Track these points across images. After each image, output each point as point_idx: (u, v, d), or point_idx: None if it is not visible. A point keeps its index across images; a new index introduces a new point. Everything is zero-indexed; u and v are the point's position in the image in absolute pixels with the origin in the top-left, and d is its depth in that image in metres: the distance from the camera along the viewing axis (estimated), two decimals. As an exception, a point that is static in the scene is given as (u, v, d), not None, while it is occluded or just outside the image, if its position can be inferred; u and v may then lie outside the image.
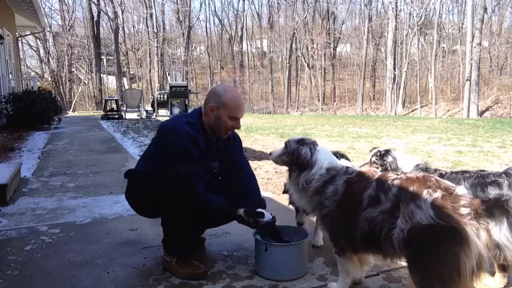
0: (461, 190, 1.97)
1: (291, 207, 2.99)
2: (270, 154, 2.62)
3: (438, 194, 1.91)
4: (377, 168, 2.84)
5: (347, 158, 3.19)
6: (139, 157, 2.93)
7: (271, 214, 2.66)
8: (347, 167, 2.37)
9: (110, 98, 18.76)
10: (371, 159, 2.97)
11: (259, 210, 2.63)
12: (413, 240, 1.91)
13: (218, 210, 2.68)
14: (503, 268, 2.38)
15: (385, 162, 2.87)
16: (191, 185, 2.51)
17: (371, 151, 3.07)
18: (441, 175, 2.52)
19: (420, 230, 1.89)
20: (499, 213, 2.28)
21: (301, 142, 2.46)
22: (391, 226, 2.00)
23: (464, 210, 1.86)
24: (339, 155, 3.11)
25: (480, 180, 2.37)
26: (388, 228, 2.02)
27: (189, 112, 2.87)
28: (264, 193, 4.49)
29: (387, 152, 2.92)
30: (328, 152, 2.51)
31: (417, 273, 1.93)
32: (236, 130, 2.82)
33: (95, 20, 34.07)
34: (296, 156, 2.41)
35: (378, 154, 2.94)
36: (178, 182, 2.47)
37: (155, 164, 2.66)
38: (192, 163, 2.54)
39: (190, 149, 2.56)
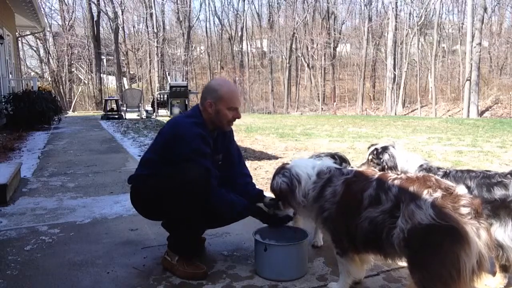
0: (461, 189, 1.97)
1: None
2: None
3: (438, 194, 1.91)
4: (375, 167, 2.76)
5: (346, 161, 3.13)
6: (139, 162, 2.90)
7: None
8: (338, 168, 2.36)
9: (110, 98, 18.77)
10: (368, 158, 2.89)
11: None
12: (414, 240, 1.91)
13: (235, 208, 2.68)
14: (505, 268, 2.38)
15: (382, 160, 2.78)
16: (206, 183, 2.52)
17: (369, 148, 2.96)
18: (446, 174, 2.51)
19: (421, 230, 1.89)
20: (504, 214, 2.27)
21: (273, 176, 2.50)
22: (391, 226, 2.01)
23: (464, 210, 1.86)
24: (337, 157, 3.08)
25: (486, 181, 2.35)
26: (388, 228, 2.02)
27: (189, 111, 2.86)
28: (264, 193, 4.50)
29: (384, 149, 2.81)
30: (305, 160, 2.54)
31: (417, 273, 1.94)
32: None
33: (95, 20, 34.10)
34: (274, 191, 2.47)
35: (375, 152, 2.84)
36: (192, 180, 2.47)
37: (162, 168, 2.64)
38: (206, 161, 2.57)
39: (204, 149, 2.58)
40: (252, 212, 2.74)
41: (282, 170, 2.45)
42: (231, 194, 2.71)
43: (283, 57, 38.86)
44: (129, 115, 17.19)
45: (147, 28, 36.61)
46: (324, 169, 2.36)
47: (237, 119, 2.78)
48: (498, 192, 2.29)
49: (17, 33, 17.73)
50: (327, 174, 2.33)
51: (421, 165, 2.69)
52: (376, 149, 2.87)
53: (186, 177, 2.48)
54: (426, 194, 1.93)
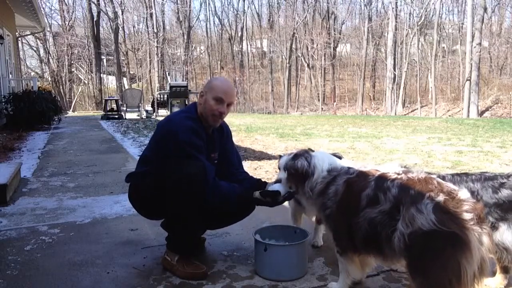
0: (464, 194, 1.91)
1: None
2: (279, 194, 2.56)
3: (440, 198, 1.86)
4: None
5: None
6: (138, 160, 2.91)
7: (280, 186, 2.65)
8: (348, 167, 2.36)
9: (110, 98, 18.77)
10: None
11: (273, 188, 2.63)
12: (414, 245, 1.87)
13: (233, 197, 2.66)
14: (506, 270, 2.36)
15: None
16: (201, 178, 2.51)
17: None
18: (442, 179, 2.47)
19: (422, 235, 1.84)
20: None
21: (295, 157, 2.48)
22: (391, 228, 1.98)
23: (467, 216, 1.81)
24: (336, 157, 3.08)
25: (491, 183, 2.29)
26: (388, 230, 1.99)
27: (185, 107, 2.92)
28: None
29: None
30: (326, 154, 2.52)
31: (417, 278, 1.90)
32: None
33: (95, 20, 34.11)
34: (294, 170, 2.43)
35: None
36: (187, 177, 2.47)
37: (158, 164, 2.63)
38: (199, 155, 2.57)
39: (195, 141, 2.58)
40: (247, 200, 2.71)
41: (306, 154, 2.46)
42: (227, 184, 2.69)
43: (283, 57, 38.86)
44: (129, 115, 17.19)
45: (147, 28, 36.64)
46: (338, 167, 2.37)
47: (223, 115, 2.72)
48: (505, 193, 2.23)
49: (17, 33, 17.73)
50: (335, 172, 2.34)
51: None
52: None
53: (181, 172, 2.48)
54: (427, 198, 1.88)
